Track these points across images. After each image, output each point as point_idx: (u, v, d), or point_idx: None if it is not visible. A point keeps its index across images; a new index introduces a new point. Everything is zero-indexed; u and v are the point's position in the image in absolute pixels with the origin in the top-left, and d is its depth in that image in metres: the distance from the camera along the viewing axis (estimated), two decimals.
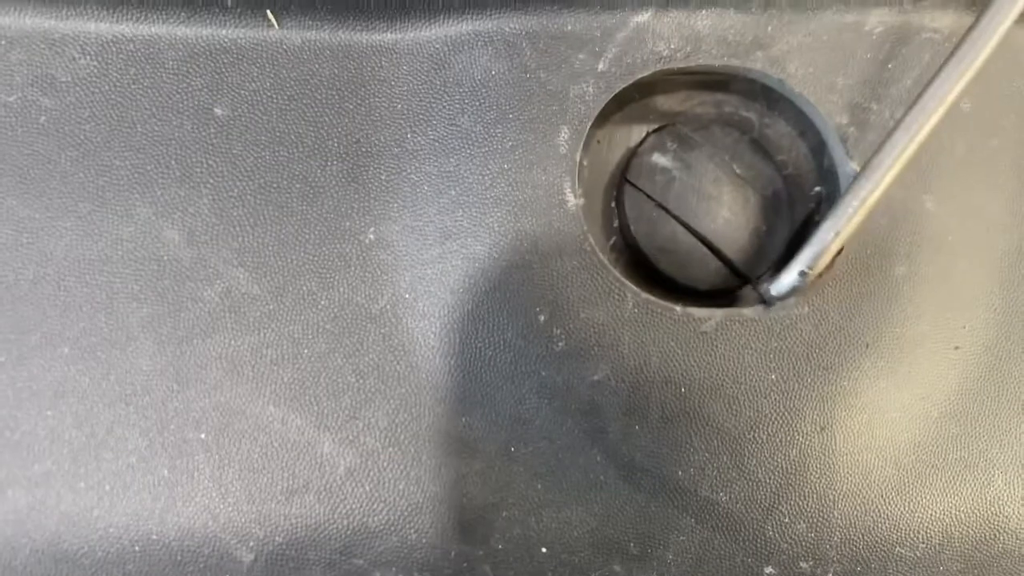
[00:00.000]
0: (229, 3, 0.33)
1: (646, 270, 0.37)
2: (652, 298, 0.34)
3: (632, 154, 0.36)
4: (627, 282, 0.34)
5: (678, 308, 0.34)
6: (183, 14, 0.33)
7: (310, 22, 0.34)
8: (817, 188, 0.39)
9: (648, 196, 0.36)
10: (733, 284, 0.37)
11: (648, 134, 0.36)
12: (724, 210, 0.35)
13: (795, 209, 0.37)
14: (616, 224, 0.38)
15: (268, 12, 0.33)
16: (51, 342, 0.32)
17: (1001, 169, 0.36)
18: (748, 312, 0.34)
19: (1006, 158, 0.36)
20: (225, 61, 0.34)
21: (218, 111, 0.34)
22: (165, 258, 0.33)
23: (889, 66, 0.36)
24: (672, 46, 0.36)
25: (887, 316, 0.35)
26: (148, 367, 0.32)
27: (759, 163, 0.37)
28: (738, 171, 0.36)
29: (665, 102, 0.39)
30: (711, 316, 0.34)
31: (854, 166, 0.36)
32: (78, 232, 0.32)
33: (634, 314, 0.34)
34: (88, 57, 0.33)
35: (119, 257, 0.32)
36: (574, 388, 0.33)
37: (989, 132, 0.36)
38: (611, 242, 0.37)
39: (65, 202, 0.33)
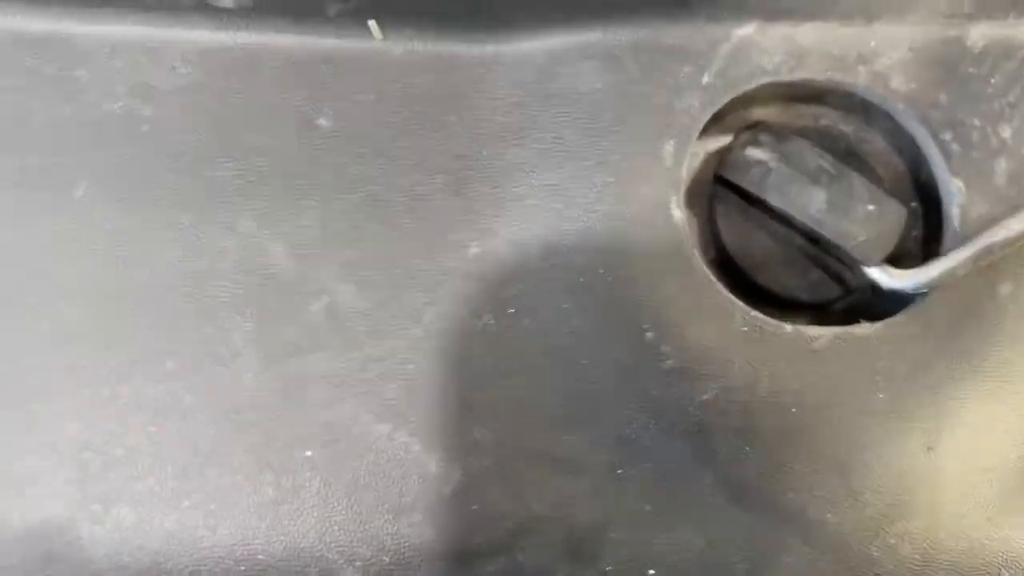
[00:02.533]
0: (331, 13, 0.33)
1: (743, 282, 0.36)
2: (761, 316, 0.34)
3: (725, 151, 0.36)
4: (736, 299, 0.33)
5: (788, 326, 0.33)
6: (283, 23, 0.33)
7: (412, 33, 0.34)
8: (913, 204, 0.38)
9: (741, 190, 0.35)
10: (833, 294, 0.37)
11: (739, 131, 0.35)
12: (829, 197, 0.34)
13: None
14: (712, 237, 0.37)
15: (372, 23, 0.33)
16: (155, 357, 0.31)
17: None
18: (859, 330, 0.34)
19: None
20: (327, 71, 0.33)
21: (321, 122, 0.33)
22: (269, 272, 0.32)
23: (992, 81, 0.36)
24: (776, 60, 0.35)
25: (993, 336, 0.35)
26: (253, 383, 0.31)
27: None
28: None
29: (761, 113, 0.39)
30: (822, 334, 0.34)
31: (959, 183, 0.35)
32: (180, 244, 0.32)
33: (743, 332, 0.33)
34: (188, 66, 0.33)
35: (222, 270, 0.32)
36: (683, 408, 0.33)
37: None
38: (710, 257, 0.37)
39: (167, 214, 0.32)
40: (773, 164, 0.34)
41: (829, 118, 0.39)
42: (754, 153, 0.35)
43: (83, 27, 0.33)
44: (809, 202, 0.34)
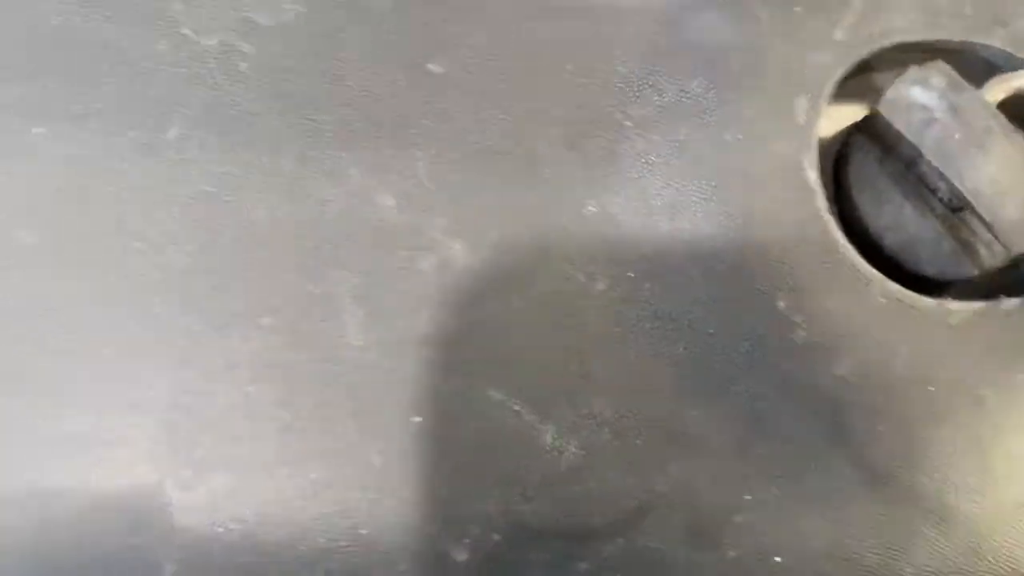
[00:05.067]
0: None
1: (865, 247, 0.34)
2: (900, 288, 0.31)
3: (888, 86, 0.32)
4: (873, 269, 0.31)
5: (929, 300, 0.31)
6: None
7: None
8: None
9: (883, 139, 0.32)
10: (964, 272, 0.34)
11: (911, 66, 0.32)
12: (994, 167, 0.31)
13: None
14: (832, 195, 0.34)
15: None
16: (252, 311, 0.29)
17: None
18: (1005, 305, 0.31)
19: None
20: (441, 14, 0.31)
21: (432, 67, 0.31)
22: (377, 224, 0.30)
23: None
24: (909, 18, 0.33)
25: None
26: (358, 342, 0.29)
27: None
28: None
29: (880, 80, 0.36)
30: (964, 308, 0.31)
31: None
32: (282, 192, 0.30)
33: (881, 304, 0.31)
34: (294, 1, 0.30)
35: (327, 221, 0.30)
36: (815, 383, 0.31)
37: None
38: None
39: (268, 159, 0.30)
40: (939, 114, 0.31)
41: None
42: (920, 95, 0.32)
43: None
44: (969, 168, 0.31)
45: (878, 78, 0.37)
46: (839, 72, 0.33)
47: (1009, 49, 0.34)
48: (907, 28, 0.34)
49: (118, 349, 0.29)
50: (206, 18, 0.31)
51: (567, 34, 0.32)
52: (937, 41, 0.34)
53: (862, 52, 0.33)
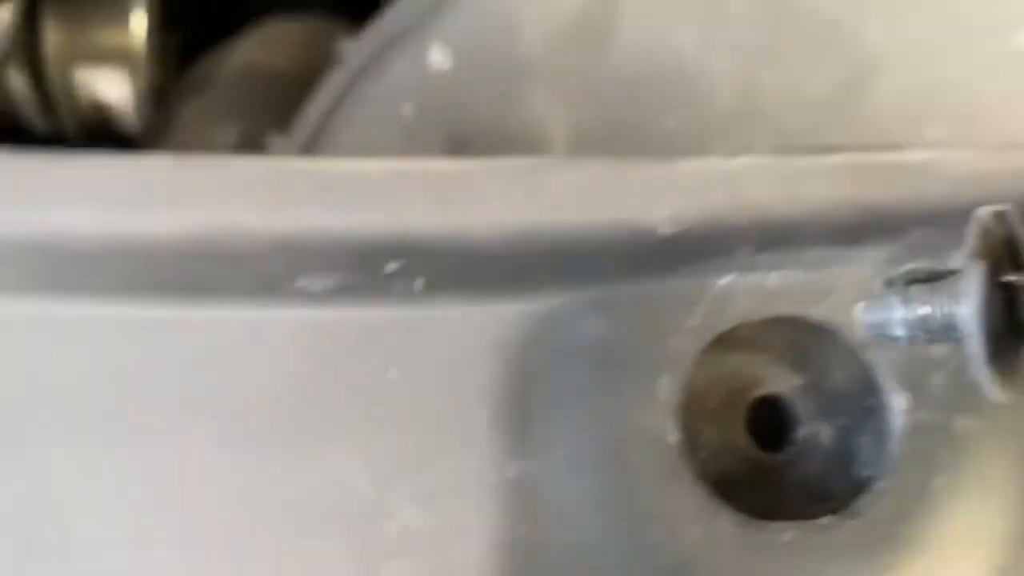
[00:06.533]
0: (415, 288, 0.42)
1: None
2: (743, 516, 0.42)
3: None
4: (721, 503, 0.42)
5: (763, 522, 0.42)
6: (359, 299, 0.42)
7: (462, 298, 0.43)
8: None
9: None
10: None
11: None
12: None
13: None
14: None
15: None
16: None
17: None
18: (823, 522, 0.42)
19: None
20: (391, 337, 0.42)
21: (390, 375, 0.42)
22: (354, 499, 0.41)
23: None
24: (750, 303, 0.44)
25: (929, 527, 0.43)
26: None
27: None
28: None
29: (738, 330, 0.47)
30: (787, 528, 0.42)
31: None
32: (281, 478, 0.41)
33: (728, 531, 0.42)
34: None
35: (314, 502, 0.41)
36: None
37: None
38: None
39: (271, 451, 0.41)
40: None
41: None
42: None
43: None
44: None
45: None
46: (694, 352, 0.44)
47: (828, 318, 0.45)
48: (748, 310, 0.45)
49: None
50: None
51: (489, 340, 0.44)
52: (774, 316, 0.45)
53: (712, 334, 0.44)
